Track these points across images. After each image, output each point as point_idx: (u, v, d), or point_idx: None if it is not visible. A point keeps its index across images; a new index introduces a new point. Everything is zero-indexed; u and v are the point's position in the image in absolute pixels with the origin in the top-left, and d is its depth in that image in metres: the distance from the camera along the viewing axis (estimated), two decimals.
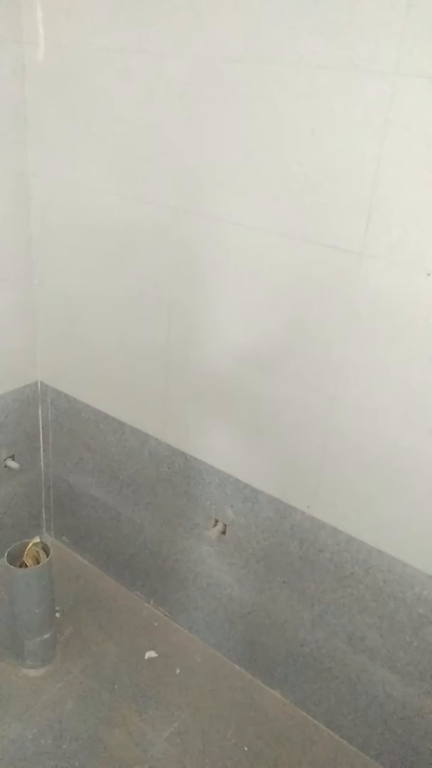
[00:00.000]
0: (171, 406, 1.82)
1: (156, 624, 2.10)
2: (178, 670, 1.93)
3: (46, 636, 1.86)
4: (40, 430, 2.25)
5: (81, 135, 1.70)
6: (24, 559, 1.80)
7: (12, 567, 1.74)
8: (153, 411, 1.87)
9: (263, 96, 1.32)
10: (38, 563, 1.80)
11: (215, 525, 1.83)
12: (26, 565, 1.79)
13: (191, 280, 1.62)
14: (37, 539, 1.82)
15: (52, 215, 1.87)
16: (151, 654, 1.98)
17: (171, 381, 1.79)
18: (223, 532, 1.82)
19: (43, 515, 2.41)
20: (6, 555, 1.75)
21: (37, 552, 1.81)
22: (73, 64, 1.64)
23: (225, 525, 1.81)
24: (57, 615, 1.94)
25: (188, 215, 1.55)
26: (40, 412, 2.22)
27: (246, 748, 1.72)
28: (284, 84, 1.28)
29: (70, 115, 1.70)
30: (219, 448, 1.75)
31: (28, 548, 1.80)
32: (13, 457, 2.17)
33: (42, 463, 2.31)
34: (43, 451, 2.28)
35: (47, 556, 1.80)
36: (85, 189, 1.75)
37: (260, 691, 1.89)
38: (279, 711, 1.84)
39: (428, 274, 1.22)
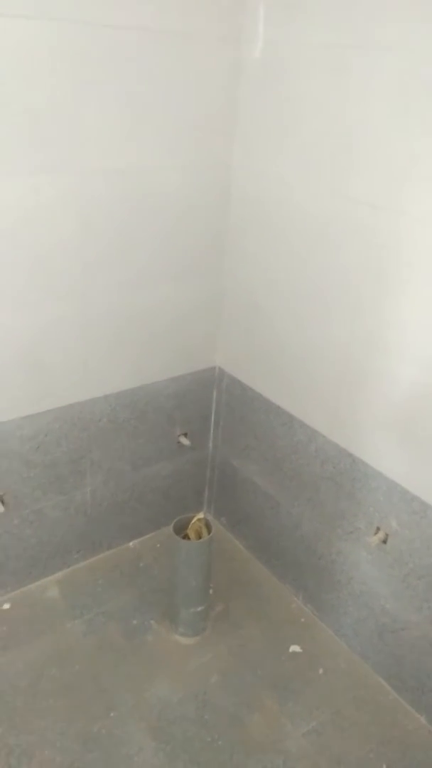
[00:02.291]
0: (344, 405, 1.79)
1: (303, 620, 2.10)
2: (321, 671, 1.92)
3: (199, 608, 1.96)
4: (213, 412, 2.35)
5: (286, 130, 1.73)
6: (187, 531, 1.90)
7: (177, 537, 1.85)
8: (324, 409, 1.86)
9: None
10: (200, 538, 1.89)
11: (377, 533, 1.78)
12: (189, 538, 1.89)
13: (382, 280, 1.57)
14: (201, 515, 1.91)
15: (248, 208, 1.93)
16: (295, 648, 1.99)
17: (347, 382, 1.76)
18: (384, 541, 1.77)
19: (206, 494, 2.53)
20: (173, 525, 1.86)
21: (200, 527, 1.90)
22: (287, 62, 1.67)
23: (387, 534, 1.76)
24: (210, 591, 2.03)
25: (388, 213, 1.50)
26: (214, 396, 2.31)
27: (384, 766, 1.66)
28: None
29: (278, 111, 1.74)
30: (391, 455, 1.69)
31: (192, 522, 1.90)
32: (186, 435, 2.29)
33: (210, 445, 2.41)
34: (213, 433, 2.39)
35: (209, 533, 1.88)
36: (284, 184, 1.78)
37: (405, 713, 1.81)
38: (424, 738, 1.75)
39: None
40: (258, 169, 1.86)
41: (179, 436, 2.28)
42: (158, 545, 2.36)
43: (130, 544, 2.36)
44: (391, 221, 1.50)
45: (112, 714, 1.75)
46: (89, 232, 1.72)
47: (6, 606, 2.06)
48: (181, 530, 1.90)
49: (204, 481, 2.49)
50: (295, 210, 1.77)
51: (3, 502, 1.92)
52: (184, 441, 2.29)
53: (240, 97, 1.83)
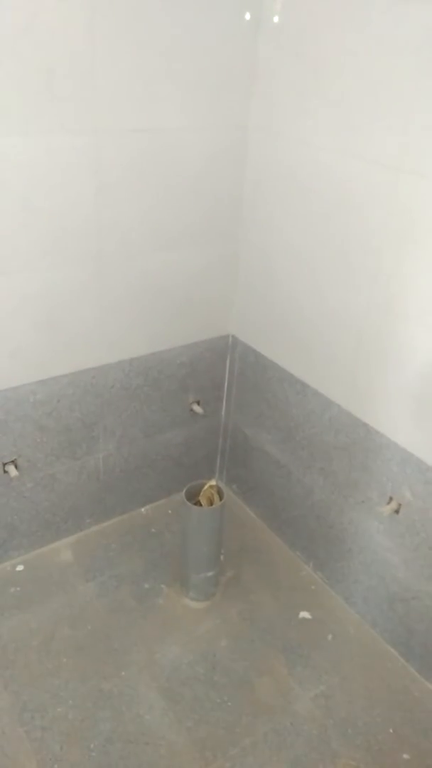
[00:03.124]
0: (360, 375, 1.77)
1: (313, 587, 2.12)
2: (330, 637, 1.94)
3: (210, 574, 1.97)
4: (226, 380, 2.33)
5: (306, 90, 1.67)
6: (199, 498, 1.90)
7: (188, 503, 1.85)
8: (339, 378, 1.84)
9: None
10: (211, 504, 1.89)
11: (389, 502, 1.77)
12: (200, 505, 1.89)
13: (402, 246, 1.53)
14: (213, 482, 1.91)
15: (266, 170, 1.88)
16: (305, 615, 2.01)
17: (364, 350, 1.73)
18: (397, 512, 1.76)
19: (218, 462, 2.53)
20: (185, 491, 1.87)
21: (212, 494, 1.90)
22: (307, 17, 1.60)
23: (400, 504, 1.75)
24: (221, 557, 2.04)
25: (412, 176, 1.45)
26: (228, 364, 2.30)
27: (391, 731, 1.68)
28: None
29: (298, 70, 1.67)
30: (407, 425, 1.67)
31: (204, 489, 1.90)
32: (198, 402, 2.28)
33: (223, 413, 2.40)
34: (226, 401, 2.37)
35: (221, 500, 1.88)
36: (303, 145, 1.73)
37: (413, 680, 1.83)
38: (431, 704, 1.77)
39: None
40: (276, 131, 1.80)
41: (192, 403, 2.27)
42: (170, 511, 2.38)
43: (142, 509, 2.38)
44: (415, 185, 1.45)
45: (123, 673, 1.78)
46: (105, 194, 1.68)
47: (20, 568, 2.09)
48: (193, 497, 1.90)
49: (216, 448, 2.49)
50: (314, 172, 1.72)
51: (17, 466, 1.93)
52: (197, 409, 2.28)
53: (259, 55, 1.77)
